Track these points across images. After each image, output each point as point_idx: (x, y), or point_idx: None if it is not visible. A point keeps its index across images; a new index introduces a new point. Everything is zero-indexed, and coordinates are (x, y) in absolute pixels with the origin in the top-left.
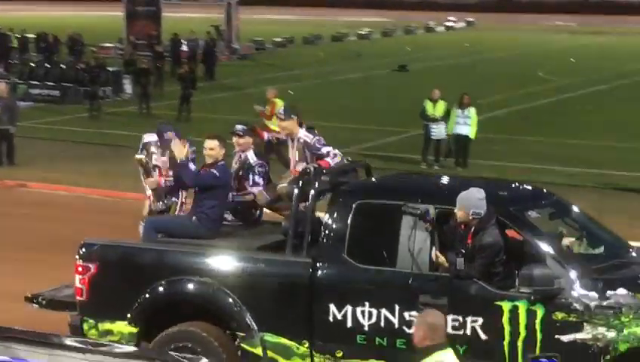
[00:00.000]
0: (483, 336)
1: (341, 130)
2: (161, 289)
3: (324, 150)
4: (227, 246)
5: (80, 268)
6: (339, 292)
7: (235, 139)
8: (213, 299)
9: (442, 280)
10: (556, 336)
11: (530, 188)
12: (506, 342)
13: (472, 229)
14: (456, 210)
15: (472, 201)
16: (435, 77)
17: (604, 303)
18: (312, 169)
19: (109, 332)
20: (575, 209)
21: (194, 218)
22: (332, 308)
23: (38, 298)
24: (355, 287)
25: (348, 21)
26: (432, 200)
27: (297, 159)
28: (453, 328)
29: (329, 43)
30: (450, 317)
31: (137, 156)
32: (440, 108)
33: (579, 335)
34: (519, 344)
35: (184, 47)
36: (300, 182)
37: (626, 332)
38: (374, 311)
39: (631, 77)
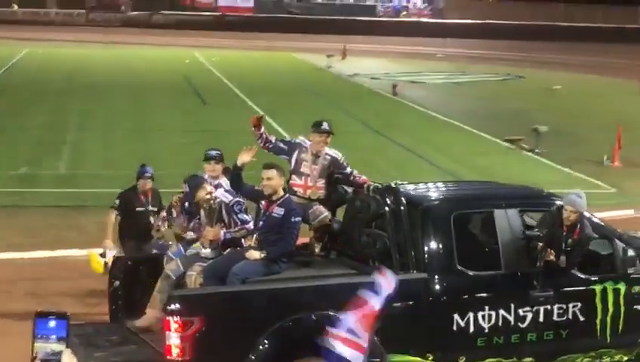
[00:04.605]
0: (581, 318)
1: None
2: (287, 330)
3: (349, 169)
4: (338, 274)
5: (177, 325)
6: (461, 301)
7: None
8: None
9: (546, 275)
10: (635, 307)
11: None
12: (598, 320)
13: (578, 226)
14: (568, 213)
15: (584, 201)
16: None
17: None
18: (371, 185)
19: None
20: None
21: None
22: (456, 317)
23: None
24: (475, 294)
25: None
26: (515, 204)
27: (318, 176)
28: (558, 315)
29: None
30: (555, 306)
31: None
32: None
33: None
34: (607, 319)
35: None
36: (382, 198)
37: None
38: (493, 314)
39: None
